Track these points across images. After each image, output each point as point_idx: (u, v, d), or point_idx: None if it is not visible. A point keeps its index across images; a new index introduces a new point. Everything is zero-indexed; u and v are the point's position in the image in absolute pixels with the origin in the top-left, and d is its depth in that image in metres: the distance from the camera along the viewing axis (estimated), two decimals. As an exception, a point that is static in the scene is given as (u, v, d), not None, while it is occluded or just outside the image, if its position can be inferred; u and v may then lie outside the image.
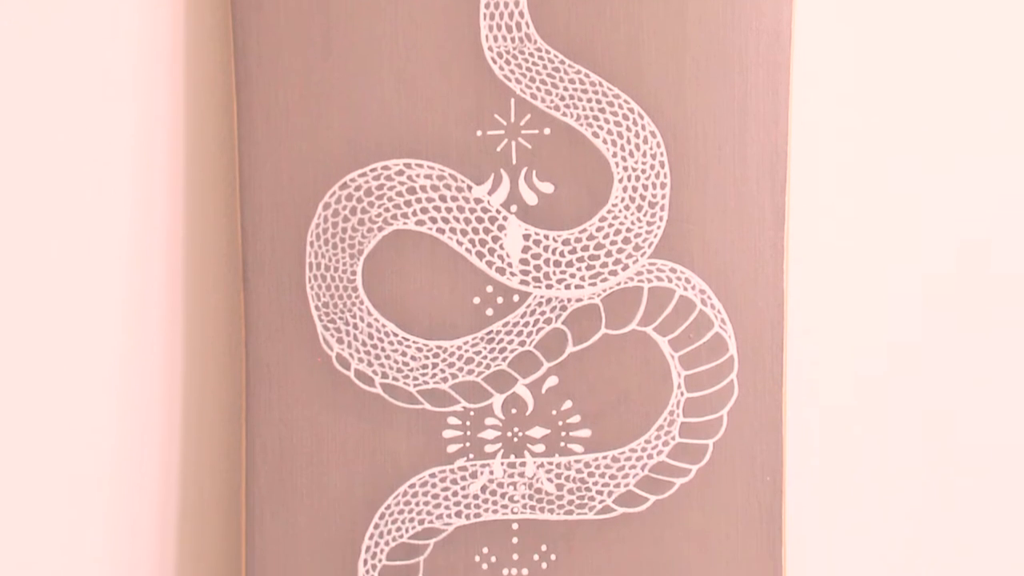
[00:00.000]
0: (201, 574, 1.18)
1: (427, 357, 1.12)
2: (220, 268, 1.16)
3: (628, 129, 1.11)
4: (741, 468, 1.13)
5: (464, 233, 1.11)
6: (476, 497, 1.13)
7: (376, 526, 1.13)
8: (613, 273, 1.12)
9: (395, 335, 1.12)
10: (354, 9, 1.10)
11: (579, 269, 1.12)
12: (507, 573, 1.14)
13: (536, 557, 1.14)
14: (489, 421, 1.13)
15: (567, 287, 1.12)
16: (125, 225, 1.14)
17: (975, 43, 1.19)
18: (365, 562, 1.13)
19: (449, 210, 1.11)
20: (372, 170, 1.11)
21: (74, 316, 1.13)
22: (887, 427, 1.21)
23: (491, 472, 1.13)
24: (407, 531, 1.13)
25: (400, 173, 1.11)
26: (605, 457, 1.13)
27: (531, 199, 1.12)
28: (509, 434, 1.13)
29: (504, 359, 1.12)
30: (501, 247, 1.12)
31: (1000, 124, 1.20)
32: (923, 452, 1.22)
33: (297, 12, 1.10)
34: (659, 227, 1.12)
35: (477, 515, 1.13)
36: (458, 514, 1.13)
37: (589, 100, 1.11)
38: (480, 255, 1.12)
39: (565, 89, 1.11)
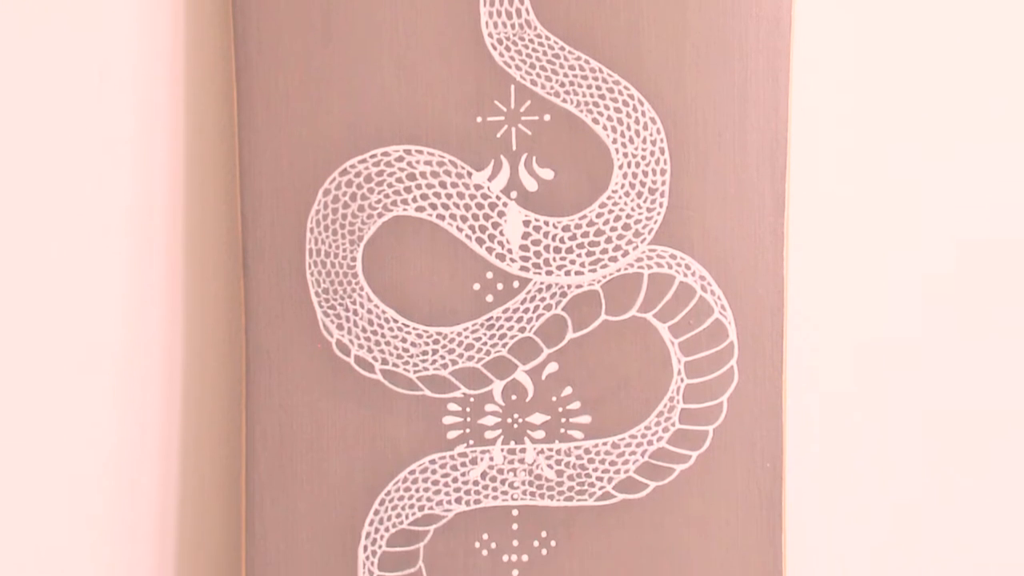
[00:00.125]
0: (201, 560, 1.18)
1: (427, 343, 1.12)
2: (220, 254, 1.16)
3: (628, 115, 1.11)
4: (741, 454, 1.13)
5: (464, 219, 1.11)
6: (476, 483, 1.13)
7: (376, 512, 1.13)
8: (613, 259, 1.12)
9: (395, 321, 1.12)
10: (354, -5, 1.10)
11: (579, 255, 1.12)
12: (507, 559, 1.14)
13: (536, 543, 1.14)
14: (489, 407, 1.13)
15: (567, 273, 1.12)
16: (125, 212, 1.14)
17: (976, 30, 1.19)
18: (365, 548, 1.13)
19: (449, 196, 1.11)
20: (372, 156, 1.11)
21: (73, 302, 1.13)
22: (887, 414, 1.21)
23: (491, 458, 1.13)
24: (407, 517, 1.13)
25: (400, 159, 1.11)
26: (605, 443, 1.13)
27: (531, 185, 1.12)
28: (509, 420, 1.13)
29: (504, 345, 1.12)
30: (501, 233, 1.12)
31: (1000, 112, 1.20)
32: (922, 439, 1.22)
33: (297, -2, 1.10)
34: (659, 213, 1.12)
35: (477, 501, 1.13)
36: (458, 500, 1.13)
37: (589, 86, 1.11)
38: (480, 241, 1.12)
39: (565, 75, 1.11)
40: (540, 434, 1.13)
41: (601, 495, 1.14)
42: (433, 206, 1.11)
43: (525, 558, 1.14)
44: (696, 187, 1.12)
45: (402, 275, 1.12)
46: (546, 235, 1.12)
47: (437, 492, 1.13)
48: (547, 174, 1.12)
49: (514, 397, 1.13)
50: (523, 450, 1.13)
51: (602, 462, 1.13)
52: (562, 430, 1.13)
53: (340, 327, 1.12)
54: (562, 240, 1.12)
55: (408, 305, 1.12)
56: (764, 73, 1.11)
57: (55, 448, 1.14)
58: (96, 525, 1.15)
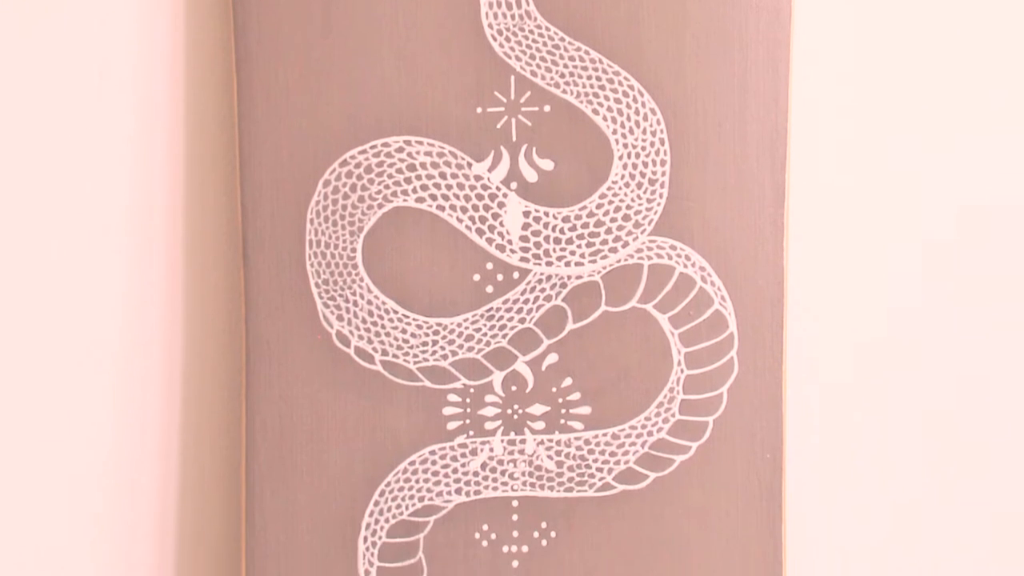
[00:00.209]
0: (201, 551, 1.18)
1: (427, 334, 1.12)
2: (220, 246, 1.16)
3: (628, 106, 1.11)
4: (741, 445, 1.13)
5: (464, 210, 1.11)
6: (476, 474, 1.13)
7: (376, 503, 1.13)
8: (613, 250, 1.12)
9: (395, 312, 1.12)
10: (354, -14, 1.10)
11: (579, 246, 1.12)
12: (507, 550, 1.14)
13: (536, 534, 1.14)
14: (489, 398, 1.13)
15: (567, 264, 1.12)
16: (125, 204, 1.14)
17: (975, 20, 1.19)
18: (365, 539, 1.13)
19: (449, 187, 1.11)
20: (372, 147, 1.11)
21: (73, 293, 1.13)
22: (887, 404, 1.21)
23: (491, 449, 1.13)
24: (407, 508, 1.13)
25: (400, 150, 1.11)
26: (605, 434, 1.13)
27: (531, 176, 1.12)
28: (509, 411, 1.13)
29: (504, 336, 1.12)
30: (501, 224, 1.12)
31: (1000, 101, 1.20)
32: (922, 430, 1.22)
33: (297, -11, 1.10)
34: (659, 204, 1.12)
35: (477, 492, 1.13)
36: (458, 491, 1.13)
37: (589, 77, 1.11)
38: (480, 232, 1.12)
39: (565, 66, 1.11)
40: (540, 425, 1.13)
41: (601, 486, 1.14)
42: (433, 197, 1.11)
43: (525, 549, 1.14)
44: (696, 178, 1.12)
45: (402, 266, 1.12)
46: (546, 226, 1.12)
47: (437, 483, 1.13)
48: (547, 165, 1.12)
49: (514, 388, 1.13)
50: (523, 441, 1.13)
51: (602, 453, 1.13)
52: (562, 421, 1.13)
53: (340, 318, 1.12)
54: (562, 231, 1.12)
55: (408, 296, 1.12)
56: (764, 64, 1.11)
57: (55, 440, 1.14)
58: (95, 516, 1.15)
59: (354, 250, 1.12)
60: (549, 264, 1.12)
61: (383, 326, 1.12)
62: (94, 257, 1.13)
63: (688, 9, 1.11)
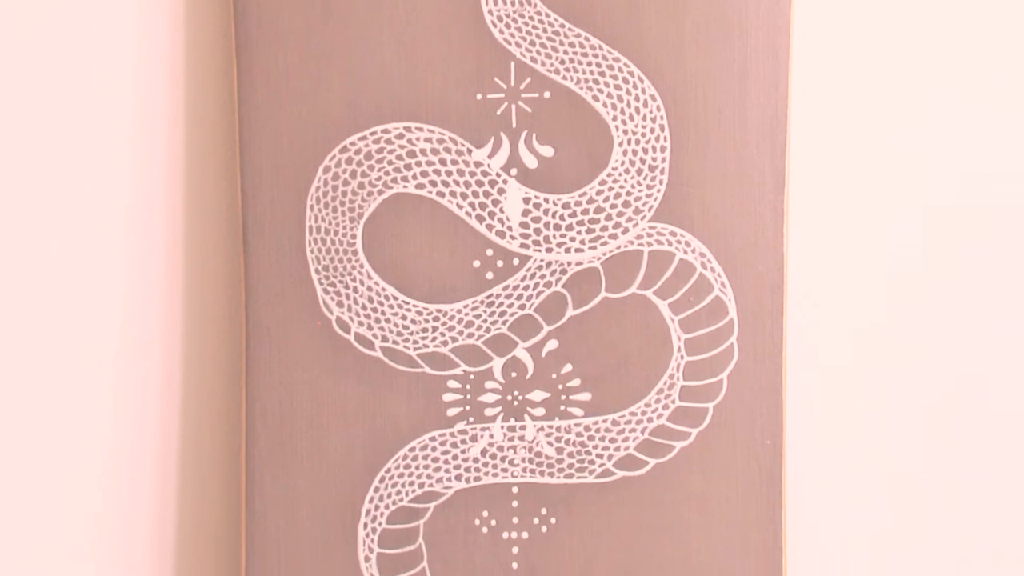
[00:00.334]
0: (202, 537, 1.18)
1: (427, 321, 1.12)
2: (220, 232, 1.16)
3: (628, 92, 1.11)
4: (741, 432, 1.14)
5: (464, 196, 1.11)
6: (476, 460, 1.13)
7: (376, 490, 1.13)
8: (613, 237, 1.12)
9: (395, 298, 1.12)
10: (354, -28, 1.10)
11: (579, 233, 1.12)
12: (507, 536, 1.14)
13: (536, 520, 1.14)
14: (489, 384, 1.13)
15: (567, 251, 1.12)
16: (125, 190, 1.14)
17: (976, 7, 1.19)
18: (365, 525, 1.13)
19: (449, 173, 1.11)
20: (372, 133, 1.11)
21: (74, 280, 1.13)
22: (887, 391, 1.21)
23: (491, 436, 1.13)
24: (407, 495, 1.13)
25: (400, 136, 1.11)
26: (605, 420, 1.13)
27: (531, 162, 1.12)
28: (509, 398, 1.13)
29: (504, 323, 1.12)
30: (501, 210, 1.12)
31: (1001, 88, 1.20)
32: (922, 416, 1.22)
33: (297, -25, 1.10)
34: (659, 191, 1.12)
35: (477, 479, 1.14)
36: (458, 478, 1.13)
37: (589, 64, 1.11)
38: (480, 218, 1.12)
39: (565, 53, 1.11)
40: (540, 411, 1.13)
41: (601, 472, 1.14)
42: (433, 183, 1.11)
43: (525, 535, 1.14)
44: (696, 164, 1.12)
45: (402, 252, 1.12)
46: (546, 212, 1.12)
47: (437, 469, 1.13)
48: (547, 151, 1.12)
49: (514, 374, 1.13)
50: (523, 427, 1.13)
51: (602, 439, 1.13)
52: (562, 407, 1.13)
53: (340, 304, 1.12)
54: (562, 217, 1.12)
55: (408, 282, 1.12)
56: (764, 50, 1.11)
57: (54, 429, 1.14)
58: (96, 503, 1.15)
59: (354, 236, 1.11)
60: (549, 250, 1.12)
61: (383, 312, 1.12)
62: (94, 243, 1.13)
63: (688, -5, 1.11)
